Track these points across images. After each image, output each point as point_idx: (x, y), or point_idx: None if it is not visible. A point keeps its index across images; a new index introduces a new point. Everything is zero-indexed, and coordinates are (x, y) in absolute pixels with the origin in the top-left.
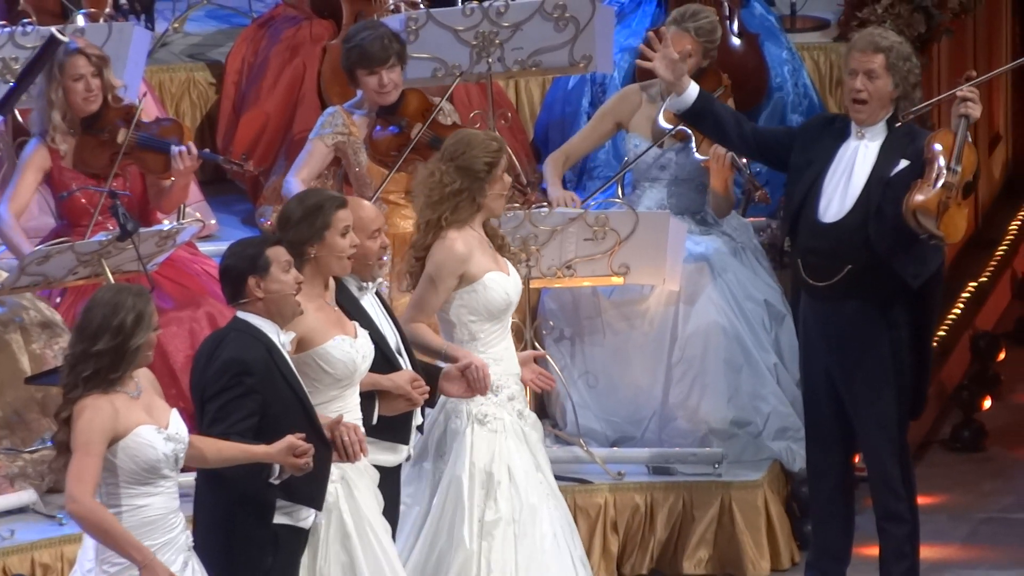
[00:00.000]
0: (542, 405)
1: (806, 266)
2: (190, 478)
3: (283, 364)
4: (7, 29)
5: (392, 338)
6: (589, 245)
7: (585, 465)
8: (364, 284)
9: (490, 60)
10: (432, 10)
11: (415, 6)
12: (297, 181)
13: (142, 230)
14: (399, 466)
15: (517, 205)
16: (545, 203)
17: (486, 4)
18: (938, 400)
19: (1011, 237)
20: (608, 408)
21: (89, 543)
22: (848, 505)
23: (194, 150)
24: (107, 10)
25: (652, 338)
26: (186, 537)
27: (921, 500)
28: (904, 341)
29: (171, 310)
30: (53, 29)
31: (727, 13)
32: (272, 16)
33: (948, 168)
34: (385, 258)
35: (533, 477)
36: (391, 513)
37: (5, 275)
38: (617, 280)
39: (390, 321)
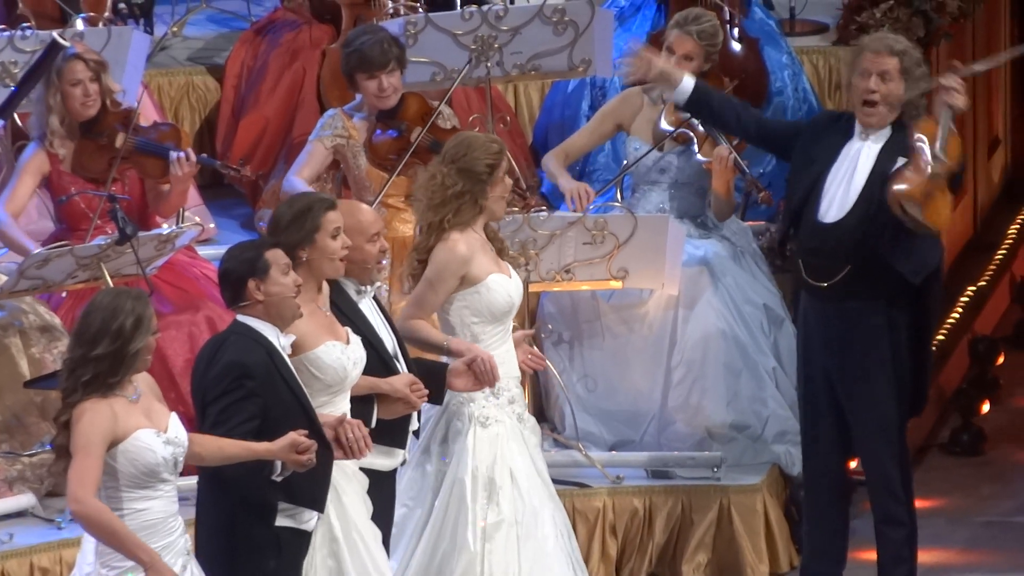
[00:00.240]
0: (541, 408)
1: (807, 266)
2: (191, 482)
3: (283, 367)
4: (6, 33)
5: (389, 342)
6: (588, 249)
7: (584, 469)
8: (362, 288)
9: (489, 64)
10: (431, 14)
11: (414, 10)
12: (299, 180)
13: (141, 234)
14: (395, 470)
15: (516, 209)
16: (544, 207)
17: (485, 8)
18: (937, 404)
19: (1010, 241)
20: (607, 411)
21: (88, 546)
22: (843, 509)
23: (192, 156)
24: (106, 14)
25: (651, 342)
26: (185, 541)
27: (920, 504)
28: (904, 342)
29: (170, 314)
30: (54, 33)
31: (728, 18)
32: (271, 20)
33: (933, 156)
34: (385, 262)
35: (535, 480)
36: (386, 517)
37: (4, 279)
38: (616, 284)
39: (387, 325)
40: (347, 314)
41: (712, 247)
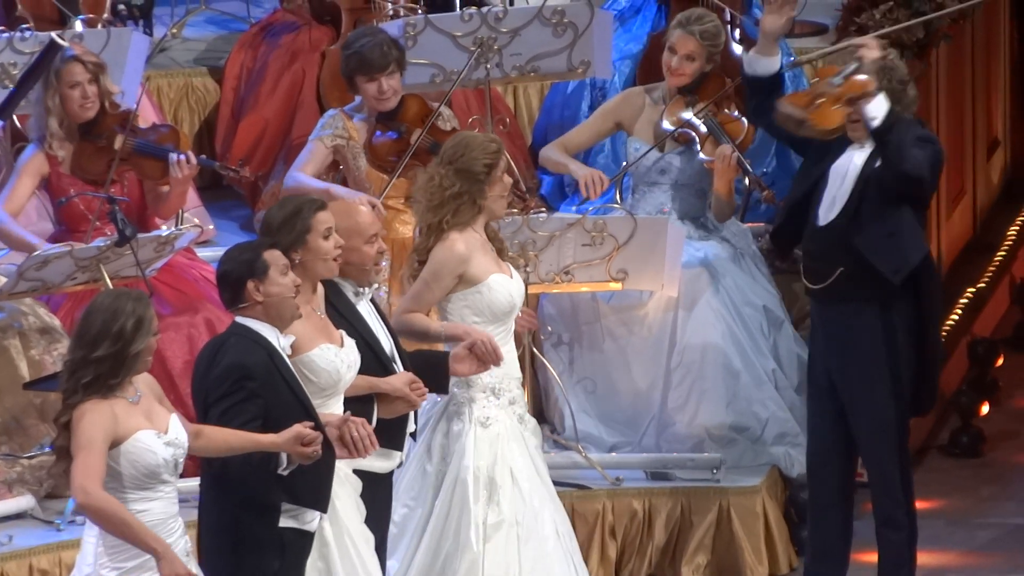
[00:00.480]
0: (541, 410)
1: (805, 269)
2: (192, 484)
3: (284, 367)
4: (5, 35)
5: (386, 344)
6: (587, 250)
7: (583, 471)
8: (360, 289)
9: (488, 66)
10: (431, 16)
11: (414, 12)
12: (301, 174)
13: (140, 236)
14: (391, 472)
15: (516, 211)
16: (543, 208)
17: (484, 10)
18: (936, 405)
19: (1009, 242)
20: (606, 413)
21: (88, 547)
22: (846, 510)
23: (192, 158)
24: (105, 15)
25: (651, 343)
26: (185, 542)
27: (919, 505)
28: (902, 345)
29: (169, 316)
30: (53, 34)
31: (729, 19)
32: (271, 21)
33: (827, 83)
34: (384, 263)
35: (535, 481)
36: (383, 519)
37: (3, 280)
38: (615, 285)
39: (384, 327)
40: (345, 315)
41: (712, 249)
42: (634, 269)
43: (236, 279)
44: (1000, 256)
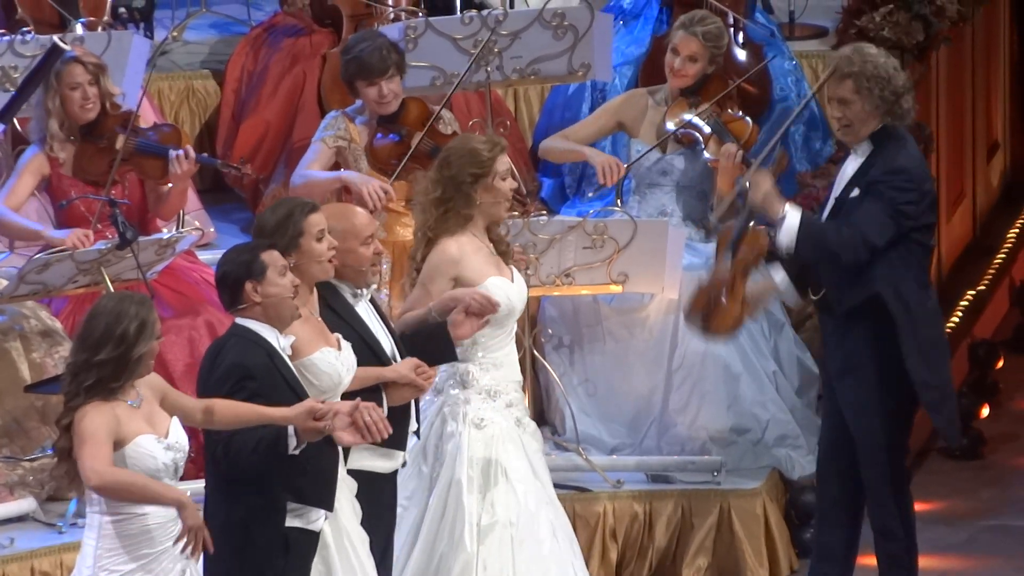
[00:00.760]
0: (541, 412)
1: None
2: (194, 485)
3: (284, 368)
4: (6, 38)
5: (387, 344)
6: (588, 253)
7: (584, 473)
8: (358, 291)
9: (489, 69)
10: (431, 19)
11: (415, 16)
12: (308, 171)
13: (141, 239)
14: (395, 472)
15: (516, 214)
16: (544, 211)
17: (485, 13)
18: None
19: (1009, 245)
20: (607, 415)
21: (87, 549)
22: (852, 512)
23: (192, 154)
24: (105, 18)
25: (652, 345)
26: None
27: (919, 508)
28: (892, 357)
29: (170, 318)
30: (55, 38)
31: (731, 21)
32: (272, 24)
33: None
34: (385, 265)
35: (531, 483)
36: (387, 519)
37: (4, 283)
38: (616, 288)
39: (385, 328)
40: (343, 317)
41: (713, 251)
42: (635, 272)
43: (234, 280)
44: (1000, 258)
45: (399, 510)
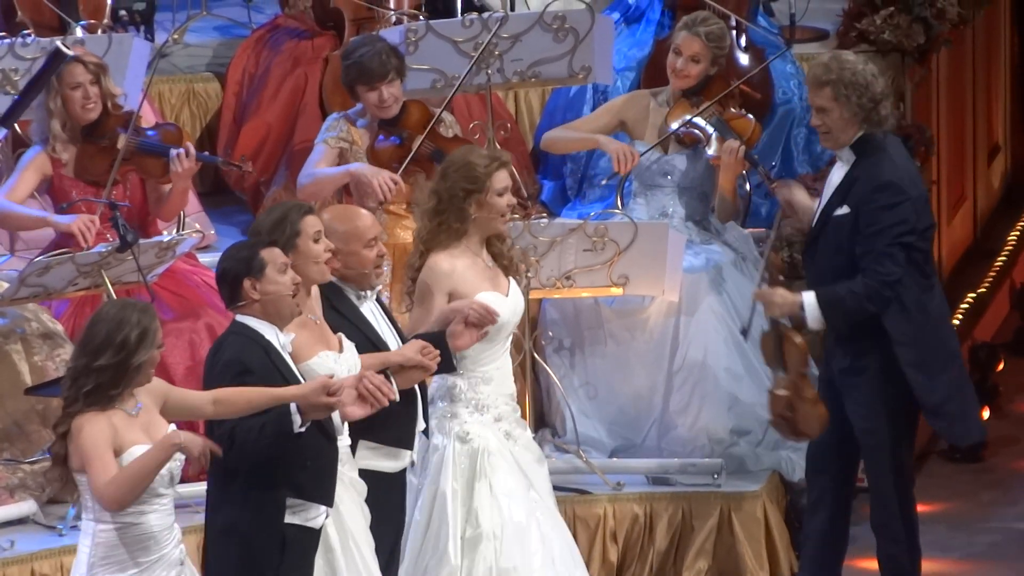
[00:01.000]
0: (542, 413)
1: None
2: (193, 489)
3: (282, 365)
4: (7, 41)
5: (393, 344)
6: (588, 256)
7: (584, 475)
8: (362, 293)
9: (489, 71)
10: (431, 21)
11: (416, 20)
12: (317, 170)
13: (142, 241)
14: (403, 472)
15: (517, 217)
16: (544, 214)
17: (485, 15)
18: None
19: (1010, 247)
20: (608, 416)
21: (82, 556)
22: (838, 513)
23: (192, 151)
24: (105, 21)
25: (652, 347)
26: (180, 551)
27: (920, 510)
28: (893, 358)
29: (171, 321)
30: (57, 41)
31: (733, 24)
32: (274, 27)
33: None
34: (385, 268)
35: (521, 496)
36: (397, 520)
37: (5, 286)
38: (616, 291)
39: (391, 328)
40: (349, 318)
41: (713, 253)
42: (635, 274)
43: (233, 277)
44: (1000, 261)
45: None
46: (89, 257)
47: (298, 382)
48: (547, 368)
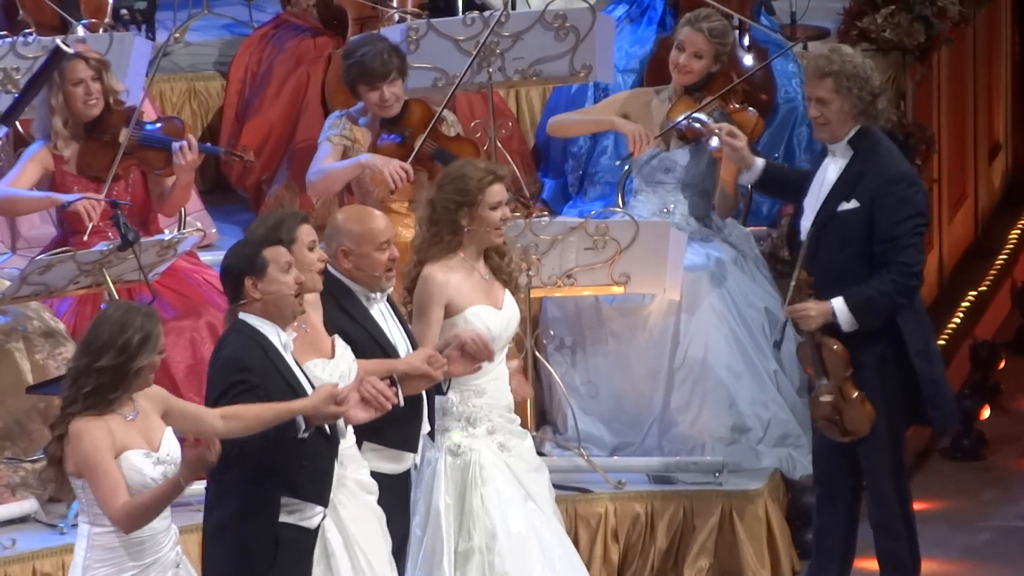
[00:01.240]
0: (543, 412)
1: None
2: (194, 488)
3: (282, 364)
4: (8, 39)
5: (403, 346)
6: (589, 254)
7: (585, 474)
8: (372, 295)
9: (490, 70)
10: (433, 20)
11: (419, 17)
12: (325, 165)
13: (143, 240)
14: (406, 473)
15: (518, 215)
16: (545, 212)
17: (487, 14)
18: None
19: (1011, 246)
20: (609, 414)
21: (77, 559)
22: (847, 510)
23: (195, 143)
24: (106, 20)
25: (653, 345)
26: (176, 553)
27: (921, 509)
28: (892, 355)
29: (172, 320)
30: (58, 40)
31: (736, 23)
32: (277, 25)
33: (821, 387)
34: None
35: (516, 508)
36: (400, 521)
37: (6, 284)
38: (617, 289)
39: (401, 329)
40: (358, 321)
41: (714, 251)
42: (636, 273)
43: (235, 275)
44: (1001, 259)
45: None
46: (90, 256)
47: (298, 381)
48: (548, 366)
